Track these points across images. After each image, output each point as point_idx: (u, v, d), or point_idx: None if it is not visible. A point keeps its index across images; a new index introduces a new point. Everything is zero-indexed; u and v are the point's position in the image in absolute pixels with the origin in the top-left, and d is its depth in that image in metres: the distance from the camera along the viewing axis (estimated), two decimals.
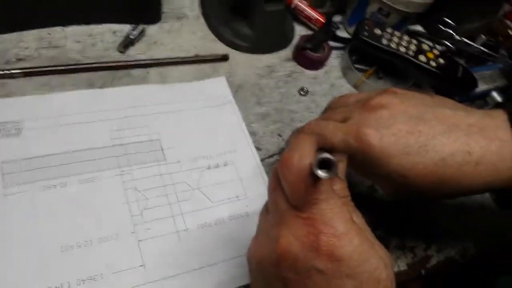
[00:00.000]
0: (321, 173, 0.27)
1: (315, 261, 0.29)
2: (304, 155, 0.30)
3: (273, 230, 0.32)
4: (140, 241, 0.45)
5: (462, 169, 0.37)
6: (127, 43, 0.61)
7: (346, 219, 0.30)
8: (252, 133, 0.58)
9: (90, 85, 0.56)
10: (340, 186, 0.34)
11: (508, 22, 0.83)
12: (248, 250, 0.36)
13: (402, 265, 0.52)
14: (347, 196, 0.34)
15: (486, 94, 0.73)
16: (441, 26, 0.77)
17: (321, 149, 0.32)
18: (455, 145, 0.37)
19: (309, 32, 0.75)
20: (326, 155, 0.27)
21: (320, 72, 0.71)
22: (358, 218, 0.33)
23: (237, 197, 0.52)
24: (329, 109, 0.47)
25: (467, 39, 0.77)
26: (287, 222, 0.31)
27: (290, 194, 0.31)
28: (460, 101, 0.43)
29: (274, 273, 0.32)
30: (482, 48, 0.78)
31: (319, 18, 0.74)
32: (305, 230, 0.30)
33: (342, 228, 0.30)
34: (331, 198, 0.30)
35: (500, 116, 0.38)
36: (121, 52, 0.61)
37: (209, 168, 0.53)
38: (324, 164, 0.27)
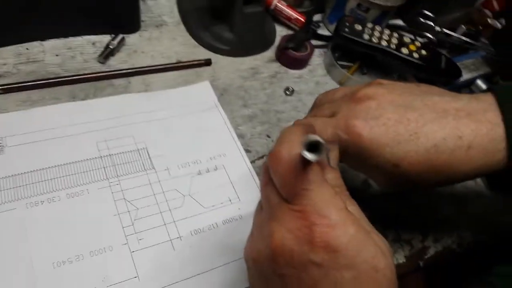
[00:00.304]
0: (309, 155, 0.26)
1: (311, 254, 0.28)
2: (293, 146, 0.29)
3: (266, 226, 0.31)
4: (133, 252, 0.44)
5: (454, 154, 0.37)
6: (107, 53, 0.60)
7: (340, 208, 0.29)
8: (240, 136, 0.58)
9: (72, 98, 0.55)
10: (332, 175, 0.33)
11: (487, 11, 0.83)
12: (245, 249, 0.35)
13: (400, 258, 0.52)
14: (341, 185, 0.33)
15: (471, 82, 0.74)
16: (420, 19, 0.77)
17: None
18: (446, 130, 0.37)
19: (290, 32, 0.75)
20: (314, 136, 0.26)
21: (304, 71, 0.71)
22: (353, 206, 0.32)
23: (230, 200, 0.51)
24: (316, 106, 0.46)
25: (448, 30, 0.78)
26: (279, 216, 0.30)
27: (280, 187, 0.30)
28: None
29: (270, 270, 0.31)
30: (462, 37, 0.79)
31: (299, 17, 0.74)
32: (298, 223, 0.29)
33: (335, 217, 0.29)
34: (322, 187, 0.29)
35: (487, 99, 0.38)
36: (101, 63, 0.60)
37: (199, 173, 0.52)
38: (313, 148, 0.26)
